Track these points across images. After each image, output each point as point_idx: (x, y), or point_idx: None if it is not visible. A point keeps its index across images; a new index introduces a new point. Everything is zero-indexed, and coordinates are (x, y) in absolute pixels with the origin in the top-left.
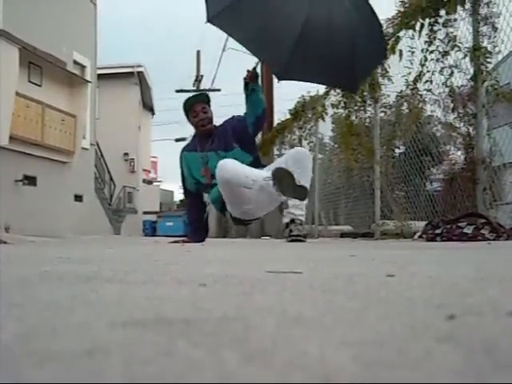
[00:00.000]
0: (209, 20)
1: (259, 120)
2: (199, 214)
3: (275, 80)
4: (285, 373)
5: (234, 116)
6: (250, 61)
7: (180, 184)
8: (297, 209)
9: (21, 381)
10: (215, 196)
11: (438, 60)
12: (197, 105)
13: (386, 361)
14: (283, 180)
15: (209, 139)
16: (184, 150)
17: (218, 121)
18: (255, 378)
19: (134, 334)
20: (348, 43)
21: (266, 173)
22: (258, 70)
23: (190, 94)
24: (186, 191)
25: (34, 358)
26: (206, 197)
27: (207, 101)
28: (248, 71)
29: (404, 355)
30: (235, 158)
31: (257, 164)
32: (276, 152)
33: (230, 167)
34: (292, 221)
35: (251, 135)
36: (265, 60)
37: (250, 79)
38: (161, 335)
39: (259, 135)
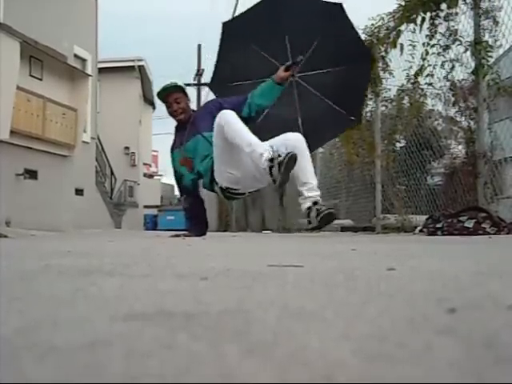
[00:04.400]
0: None
1: (262, 108)
2: (197, 209)
3: None
4: (285, 366)
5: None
6: None
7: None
8: (312, 191)
9: (22, 374)
10: (206, 167)
11: (439, 54)
12: (168, 96)
13: (386, 354)
14: (288, 168)
15: (187, 128)
16: (172, 150)
17: None
18: (256, 371)
19: (134, 327)
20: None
21: (266, 146)
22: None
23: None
24: (183, 189)
25: (35, 352)
26: (201, 183)
27: (180, 90)
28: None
29: (404, 349)
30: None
31: None
32: None
33: (234, 116)
34: (315, 203)
35: (243, 117)
36: None
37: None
38: (161, 328)
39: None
